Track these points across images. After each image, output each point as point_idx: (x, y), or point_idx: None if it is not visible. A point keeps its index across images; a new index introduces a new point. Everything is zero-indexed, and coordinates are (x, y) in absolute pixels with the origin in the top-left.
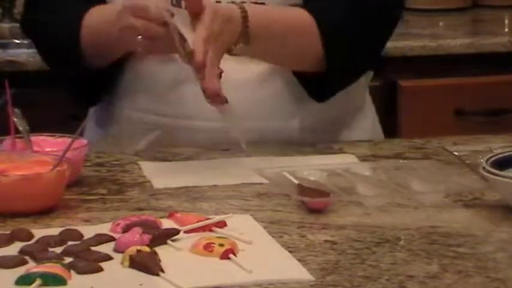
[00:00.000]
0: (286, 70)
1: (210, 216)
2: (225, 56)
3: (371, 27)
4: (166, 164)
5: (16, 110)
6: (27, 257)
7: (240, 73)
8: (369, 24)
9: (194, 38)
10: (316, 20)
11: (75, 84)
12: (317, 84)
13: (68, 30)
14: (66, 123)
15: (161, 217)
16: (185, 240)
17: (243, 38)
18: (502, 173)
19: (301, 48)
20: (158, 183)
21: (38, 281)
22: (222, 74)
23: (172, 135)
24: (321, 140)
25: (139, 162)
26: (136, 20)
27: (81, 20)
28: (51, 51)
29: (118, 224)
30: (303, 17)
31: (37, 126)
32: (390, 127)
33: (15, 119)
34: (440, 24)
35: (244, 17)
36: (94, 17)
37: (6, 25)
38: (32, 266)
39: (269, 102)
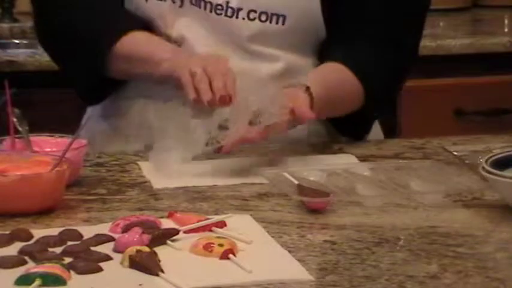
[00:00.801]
0: (297, 73)
1: (210, 216)
2: (239, 53)
3: (401, 75)
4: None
5: (16, 110)
6: (26, 257)
7: (252, 73)
8: (399, 73)
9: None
10: (359, 78)
11: (89, 87)
12: (353, 125)
13: (100, 41)
14: (66, 123)
15: (161, 217)
16: (185, 240)
17: None
18: (501, 173)
19: (351, 106)
20: (158, 183)
21: (38, 281)
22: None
23: None
24: (324, 141)
25: (139, 163)
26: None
27: (119, 34)
28: (73, 56)
29: (118, 224)
30: (351, 80)
31: (37, 126)
32: (390, 127)
33: (15, 119)
34: (440, 24)
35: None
36: (141, 40)
37: (6, 25)
38: (31, 266)
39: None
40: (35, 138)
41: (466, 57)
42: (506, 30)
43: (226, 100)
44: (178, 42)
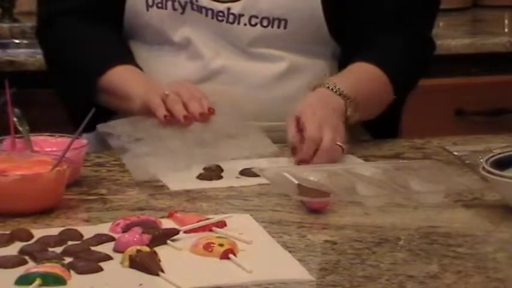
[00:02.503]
0: (301, 73)
1: (210, 216)
2: (242, 56)
3: (423, 66)
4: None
5: (16, 110)
6: (27, 257)
7: (256, 74)
8: (422, 64)
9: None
10: (388, 75)
11: (73, 100)
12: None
13: (87, 71)
14: (66, 123)
15: (161, 217)
16: (185, 240)
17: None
18: (502, 173)
19: (381, 103)
20: (175, 186)
21: (38, 281)
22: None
23: None
24: None
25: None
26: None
27: (106, 66)
28: (63, 74)
29: (118, 224)
30: (380, 78)
31: (37, 126)
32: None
33: (15, 119)
34: (440, 24)
35: (347, 116)
36: (122, 73)
37: (6, 25)
38: (31, 266)
39: (283, 103)
40: (35, 138)
41: (466, 57)
42: (506, 30)
43: (206, 116)
44: (182, 45)
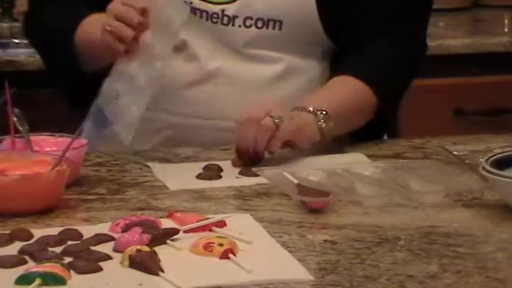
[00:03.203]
0: (297, 74)
1: (210, 216)
2: (238, 57)
3: (413, 68)
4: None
5: (16, 110)
6: (26, 257)
7: (252, 75)
8: (412, 66)
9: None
10: (370, 86)
11: (70, 87)
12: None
13: (63, 37)
14: (66, 123)
15: (161, 217)
16: (185, 240)
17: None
18: (501, 172)
19: (363, 117)
20: (174, 185)
21: (38, 281)
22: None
23: (186, 134)
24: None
25: (150, 164)
26: (112, 21)
27: (77, 27)
28: (48, 55)
29: (118, 224)
30: (362, 91)
31: (37, 126)
32: (390, 127)
33: (15, 119)
34: (440, 24)
35: (321, 128)
36: (85, 25)
37: (6, 25)
38: (31, 266)
39: None
40: (35, 138)
41: (466, 57)
42: (506, 30)
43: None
44: (178, 48)
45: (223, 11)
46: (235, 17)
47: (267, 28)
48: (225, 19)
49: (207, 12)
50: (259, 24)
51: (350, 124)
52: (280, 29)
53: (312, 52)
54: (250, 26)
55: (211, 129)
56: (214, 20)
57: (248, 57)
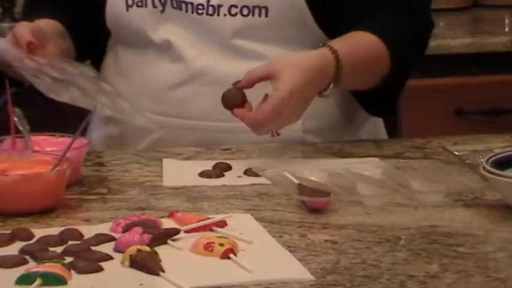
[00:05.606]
0: None
1: (211, 216)
2: (225, 53)
3: (422, 41)
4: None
5: (16, 110)
6: (27, 257)
7: (239, 73)
8: (421, 38)
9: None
10: (385, 43)
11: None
12: (375, 101)
13: None
14: (66, 123)
15: (161, 217)
16: (185, 240)
17: (334, 83)
18: (502, 172)
19: (377, 72)
20: (169, 181)
21: (38, 281)
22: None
23: (173, 134)
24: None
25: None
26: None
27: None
28: None
29: (118, 224)
30: (377, 44)
31: (37, 126)
32: (391, 127)
33: (15, 119)
34: (440, 24)
35: (337, 67)
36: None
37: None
38: (32, 266)
39: None
40: (35, 138)
41: (466, 57)
42: (506, 30)
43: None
44: (163, 47)
45: (208, 1)
46: (220, 6)
47: (253, 15)
48: (210, 9)
49: (192, 4)
50: (245, 11)
51: (362, 78)
52: (266, 15)
53: (302, 45)
54: (236, 14)
55: (199, 129)
56: (200, 11)
57: (235, 53)
